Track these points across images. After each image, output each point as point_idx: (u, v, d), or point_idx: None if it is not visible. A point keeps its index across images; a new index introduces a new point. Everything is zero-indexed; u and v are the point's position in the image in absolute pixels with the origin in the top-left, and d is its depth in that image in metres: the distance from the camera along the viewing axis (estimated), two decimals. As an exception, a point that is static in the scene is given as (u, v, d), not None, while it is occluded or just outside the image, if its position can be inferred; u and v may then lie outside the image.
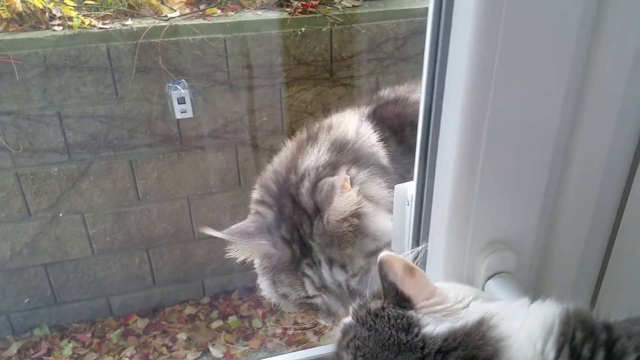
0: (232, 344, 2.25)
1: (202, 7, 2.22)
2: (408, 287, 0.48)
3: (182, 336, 2.29)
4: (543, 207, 0.60)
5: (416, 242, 0.65)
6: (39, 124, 2.02)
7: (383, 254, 0.48)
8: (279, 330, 2.31)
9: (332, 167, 1.01)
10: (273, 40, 2.12)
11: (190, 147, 2.21)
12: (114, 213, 2.23)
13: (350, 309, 0.53)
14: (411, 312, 0.47)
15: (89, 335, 2.28)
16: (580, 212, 0.61)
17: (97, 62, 2.00)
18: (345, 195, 0.94)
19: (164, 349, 2.23)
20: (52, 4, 1.97)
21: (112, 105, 2.07)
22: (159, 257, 2.36)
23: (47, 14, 2.00)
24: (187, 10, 2.20)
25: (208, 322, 2.35)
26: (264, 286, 1.05)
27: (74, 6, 2.03)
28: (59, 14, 2.04)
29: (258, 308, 2.39)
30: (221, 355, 2.21)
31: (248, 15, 2.16)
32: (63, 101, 2.01)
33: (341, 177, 0.94)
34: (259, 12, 2.18)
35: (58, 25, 2.00)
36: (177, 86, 2.06)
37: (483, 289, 0.59)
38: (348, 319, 0.52)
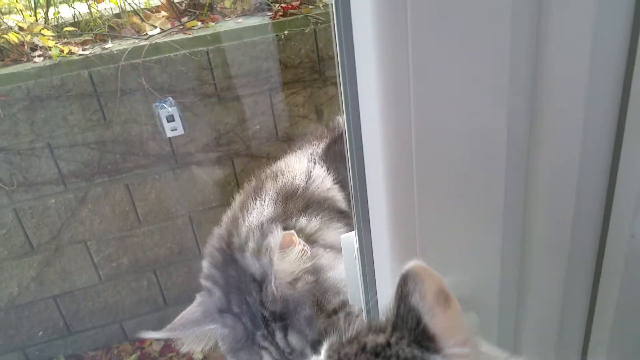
0: None
1: (183, 20, 2.18)
2: (437, 322, 0.34)
3: (198, 356, 2.26)
4: (505, 253, 0.51)
5: (372, 295, 0.58)
6: (30, 158, 2.00)
7: (413, 264, 0.35)
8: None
9: (278, 221, 0.90)
10: (256, 46, 2.07)
11: (186, 164, 2.18)
12: (117, 238, 2.21)
13: (325, 347, 0.41)
14: (435, 357, 0.34)
15: (106, 362, 2.27)
16: (554, 253, 0.52)
17: (81, 90, 1.97)
18: (291, 253, 0.84)
19: (182, 371, 2.21)
20: (29, 36, 1.95)
21: (101, 130, 2.04)
22: (167, 277, 2.34)
23: (26, 46, 1.98)
24: (169, 26, 2.16)
25: (223, 338, 2.32)
26: None
27: (52, 35, 2.01)
28: (40, 44, 2.02)
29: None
30: (239, 371, 2.17)
31: (229, 24, 2.12)
32: (52, 132, 1.99)
33: (278, 234, 0.83)
34: (240, 20, 2.13)
35: (39, 56, 1.98)
36: (164, 104, 2.03)
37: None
38: None
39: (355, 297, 0.65)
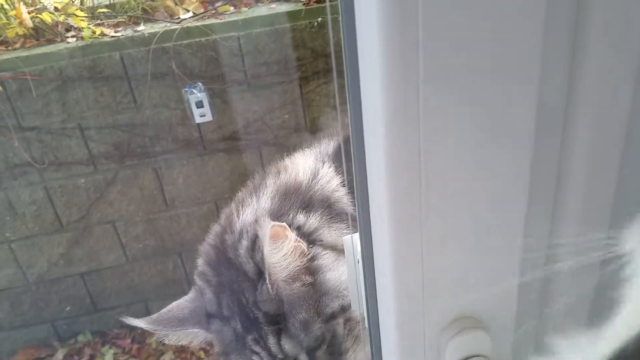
0: (267, 347, 2.22)
1: (217, 5, 2.14)
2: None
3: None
4: (525, 268, 0.45)
5: (373, 303, 0.53)
6: (61, 137, 2.03)
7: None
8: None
9: (274, 216, 0.85)
10: (288, 34, 2.02)
11: (213, 151, 2.16)
12: (144, 220, 2.23)
13: None
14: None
15: (129, 341, 2.31)
16: (583, 270, 0.45)
17: (112, 72, 1.98)
18: (284, 247, 0.78)
19: (202, 353, 2.23)
20: (62, 17, 1.96)
21: (132, 113, 2.05)
22: (192, 261, 2.33)
23: (59, 26, 1.99)
24: (202, 10, 2.13)
25: (244, 325, 2.32)
26: None
27: (85, 16, 2.01)
28: (74, 25, 2.03)
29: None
30: None
31: (262, 10, 2.07)
32: (82, 113, 2.01)
33: (267, 225, 0.76)
34: (273, 6, 2.08)
35: (72, 37, 1.99)
36: (194, 90, 2.01)
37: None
38: None
39: (356, 304, 0.60)
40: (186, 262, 2.34)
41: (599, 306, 0.49)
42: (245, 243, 0.85)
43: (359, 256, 0.56)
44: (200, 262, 0.97)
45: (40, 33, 2.02)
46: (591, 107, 0.40)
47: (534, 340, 0.52)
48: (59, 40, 2.00)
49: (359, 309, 0.61)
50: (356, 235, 0.57)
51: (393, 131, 0.37)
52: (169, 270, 2.34)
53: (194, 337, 0.92)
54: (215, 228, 0.96)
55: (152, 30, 1.99)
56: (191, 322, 0.90)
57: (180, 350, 2.26)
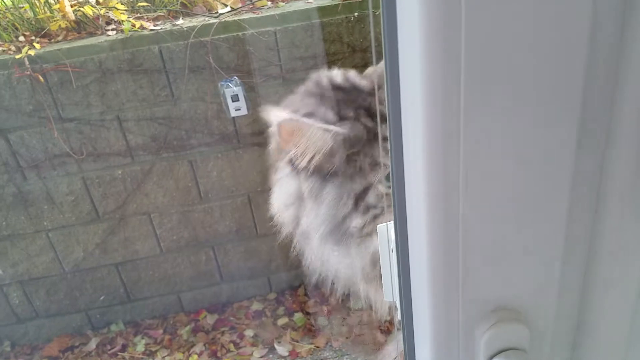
0: (297, 341, 2.22)
1: (254, 0, 2.16)
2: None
3: (249, 333, 2.29)
4: (567, 262, 0.45)
5: (407, 292, 0.53)
6: (100, 129, 2.06)
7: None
8: (345, 329, 2.24)
9: None
10: (325, 28, 2.03)
11: (248, 145, 2.18)
12: (179, 212, 2.25)
13: None
14: None
15: (161, 331, 2.34)
16: (627, 261, 0.45)
17: (150, 65, 2.00)
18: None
19: (231, 346, 2.24)
20: (103, 10, 1.99)
21: (169, 106, 2.07)
22: (224, 254, 2.37)
23: (100, 19, 2.02)
24: (240, 5, 2.15)
25: (274, 319, 2.33)
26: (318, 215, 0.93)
27: (125, 10, 2.04)
28: (116, 18, 2.07)
29: (324, 305, 2.34)
30: (287, 353, 2.18)
31: (298, 5, 2.08)
32: (121, 105, 2.04)
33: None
34: (310, 0, 2.09)
35: (112, 30, 2.02)
36: (230, 84, 2.02)
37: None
38: None
39: (389, 293, 0.60)
40: (218, 254, 2.36)
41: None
42: None
43: (392, 245, 0.55)
44: None
45: (81, 26, 2.06)
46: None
47: (574, 338, 0.51)
48: (99, 33, 2.04)
49: (392, 298, 0.60)
50: (391, 224, 0.57)
51: (433, 129, 0.37)
52: (201, 262, 2.36)
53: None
54: None
55: (190, 25, 2.01)
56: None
57: (211, 342, 2.28)
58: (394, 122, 0.42)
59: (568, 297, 0.47)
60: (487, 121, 0.37)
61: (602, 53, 0.37)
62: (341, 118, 0.90)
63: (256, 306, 2.41)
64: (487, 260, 0.43)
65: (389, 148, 0.45)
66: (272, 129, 0.86)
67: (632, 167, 0.41)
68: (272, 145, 1.01)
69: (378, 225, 0.58)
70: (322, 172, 0.89)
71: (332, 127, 0.86)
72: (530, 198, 0.41)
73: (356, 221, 0.87)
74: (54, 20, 1.99)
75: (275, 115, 0.87)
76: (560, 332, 0.49)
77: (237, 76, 2.04)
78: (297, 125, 0.85)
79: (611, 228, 0.44)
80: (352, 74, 1.00)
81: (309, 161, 0.87)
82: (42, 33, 2.03)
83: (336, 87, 0.97)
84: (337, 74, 0.99)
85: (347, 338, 2.21)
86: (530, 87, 0.36)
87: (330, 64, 2.07)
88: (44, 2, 2.04)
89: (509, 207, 0.41)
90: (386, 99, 0.43)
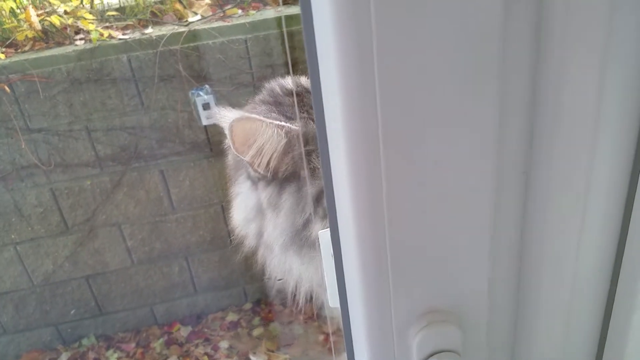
0: (273, 351, 2.20)
1: (225, 8, 2.15)
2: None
3: (224, 344, 2.26)
4: (496, 258, 0.45)
5: (344, 296, 0.52)
6: (68, 139, 2.03)
7: None
8: (321, 337, 2.23)
9: None
10: (295, 36, 2.02)
11: (220, 153, 2.15)
12: (150, 223, 2.22)
13: None
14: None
15: (133, 345, 2.30)
16: (560, 258, 0.45)
17: (119, 74, 1.98)
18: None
19: (206, 358, 2.21)
20: (71, 19, 1.97)
21: (139, 115, 2.05)
22: (198, 264, 2.34)
23: (68, 29, 2.00)
24: (211, 13, 2.14)
25: (250, 329, 2.31)
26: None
27: (94, 19, 2.02)
28: (84, 28, 2.04)
29: (299, 314, 2.32)
30: (262, 364, 2.16)
31: (269, 13, 2.08)
32: (90, 115, 2.01)
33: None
34: (280, 9, 2.09)
35: (80, 39, 2.00)
36: (200, 92, 2.01)
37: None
38: None
39: (334, 299, 0.59)
40: (192, 265, 2.33)
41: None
42: None
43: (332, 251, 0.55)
44: None
45: (49, 36, 2.03)
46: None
47: (513, 339, 0.51)
48: (67, 43, 2.01)
49: (337, 304, 0.60)
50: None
51: (352, 128, 0.37)
52: (174, 273, 2.33)
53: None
54: None
55: (160, 33, 1.99)
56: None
57: (185, 355, 2.25)
58: (319, 128, 0.42)
59: (502, 297, 0.46)
60: (406, 124, 0.37)
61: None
62: (294, 118, 0.90)
63: (231, 317, 2.39)
64: (415, 263, 0.42)
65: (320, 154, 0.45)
66: (226, 132, 0.85)
67: (556, 167, 0.41)
68: (229, 156, 1.00)
69: (319, 231, 0.58)
70: (279, 177, 0.88)
71: (285, 123, 0.85)
72: (454, 199, 0.40)
73: (316, 226, 0.86)
74: (20, 30, 1.96)
75: (226, 116, 0.86)
76: (497, 333, 0.48)
77: (208, 84, 2.03)
78: (249, 123, 0.84)
79: (541, 225, 0.44)
80: (304, 79, 1.01)
81: (267, 164, 0.86)
82: (8, 43, 2.00)
83: (288, 93, 0.97)
84: (288, 81, 0.99)
85: (323, 347, 2.20)
86: (448, 86, 0.36)
87: (302, 72, 2.07)
88: (10, 12, 2.01)
89: (433, 209, 0.40)
90: (314, 108, 0.42)
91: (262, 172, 0.87)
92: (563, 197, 0.43)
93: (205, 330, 2.34)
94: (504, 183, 0.43)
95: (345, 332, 0.50)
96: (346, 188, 0.40)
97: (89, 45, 1.96)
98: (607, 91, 0.39)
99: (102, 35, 1.95)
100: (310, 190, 0.86)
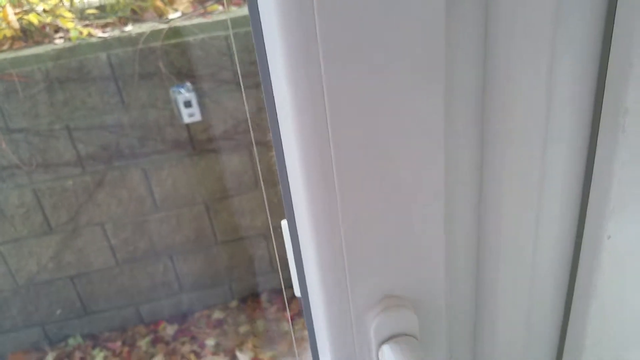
0: (259, 348, 2.20)
1: (206, 4, 2.14)
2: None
3: (210, 342, 2.26)
4: (451, 244, 0.46)
5: (303, 285, 0.53)
6: (49, 139, 2.01)
7: None
8: (307, 334, 2.23)
9: None
10: (276, 33, 2.02)
11: (203, 151, 2.15)
12: (134, 222, 2.21)
13: None
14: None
15: (119, 343, 2.29)
16: (520, 249, 0.46)
17: (99, 72, 1.97)
18: None
19: (192, 356, 2.21)
20: (50, 18, 1.95)
21: (119, 114, 2.04)
22: (183, 263, 2.33)
23: (47, 28, 1.98)
24: (192, 10, 2.12)
25: (236, 327, 2.31)
26: None
27: (74, 17, 2.00)
28: (64, 27, 2.02)
29: (285, 311, 2.32)
30: (248, 361, 2.16)
31: (250, 9, 2.07)
32: (70, 114, 2.00)
33: None
34: (261, 5, 2.08)
35: (60, 38, 1.98)
36: (181, 90, 2.00)
37: (377, 357, 0.47)
38: None
39: (297, 286, 0.60)
40: (177, 264, 2.32)
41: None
42: None
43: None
44: None
45: (28, 35, 2.01)
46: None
47: (474, 326, 0.51)
48: (47, 41, 1.99)
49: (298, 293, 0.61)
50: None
51: (302, 123, 0.37)
52: (159, 272, 2.32)
53: None
54: None
55: (140, 30, 1.98)
56: None
57: (171, 353, 2.24)
58: (272, 122, 0.42)
59: (462, 285, 0.47)
60: (354, 116, 0.37)
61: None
62: None
63: (217, 315, 2.38)
64: (370, 251, 0.43)
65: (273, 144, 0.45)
66: None
67: (510, 156, 0.42)
68: None
69: (282, 221, 0.58)
70: None
71: None
72: (406, 189, 0.41)
73: None
74: (-2, 29, 1.95)
75: None
76: (459, 320, 0.49)
77: (189, 82, 2.02)
78: None
79: (497, 215, 0.44)
80: None
81: None
82: (-14, 42, 1.98)
83: None
84: None
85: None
86: (395, 79, 0.36)
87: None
88: (-13, 11, 1.99)
89: (386, 199, 0.41)
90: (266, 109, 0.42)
91: None
92: (518, 187, 0.43)
93: (192, 328, 2.34)
94: (458, 173, 0.43)
95: (306, 319, 0.50)
96: (299, 180, 0.40)
97: (68, 44, 1.94)
98: (557, 81, 0.40)
99: (81, 33, 1.93)
100: None
